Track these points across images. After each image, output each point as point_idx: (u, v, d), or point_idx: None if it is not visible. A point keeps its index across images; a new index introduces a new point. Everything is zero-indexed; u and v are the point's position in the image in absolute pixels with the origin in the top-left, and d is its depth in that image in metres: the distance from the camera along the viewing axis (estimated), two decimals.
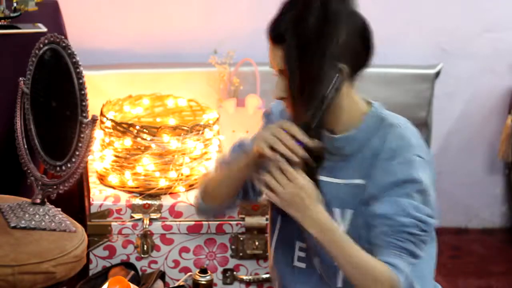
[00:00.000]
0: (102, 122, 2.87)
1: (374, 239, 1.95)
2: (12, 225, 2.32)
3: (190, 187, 2.89)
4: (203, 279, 2.60)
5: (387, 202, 1.93)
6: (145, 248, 2.85)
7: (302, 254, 2.13)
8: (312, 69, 1.91)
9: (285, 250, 2.15)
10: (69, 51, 2.24)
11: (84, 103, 2.21)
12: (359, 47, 1.96)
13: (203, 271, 2.62)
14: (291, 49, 1.93)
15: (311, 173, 1.93)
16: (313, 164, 1.93)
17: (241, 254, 2.90)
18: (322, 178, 1.98)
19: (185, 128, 2.83)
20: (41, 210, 2.36)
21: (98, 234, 2.83)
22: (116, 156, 2.85)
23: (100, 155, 2.90)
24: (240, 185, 2.10)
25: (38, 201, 2.37)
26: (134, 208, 2.83)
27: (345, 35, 1.91)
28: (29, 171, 2.41)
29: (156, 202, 2.83)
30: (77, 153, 2.25)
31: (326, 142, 1.97)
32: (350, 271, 1.92)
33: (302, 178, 1.90)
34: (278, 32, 1.96)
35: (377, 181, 1.95)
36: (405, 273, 1.93)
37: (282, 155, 1.90)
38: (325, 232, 1.92)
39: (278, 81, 1.98)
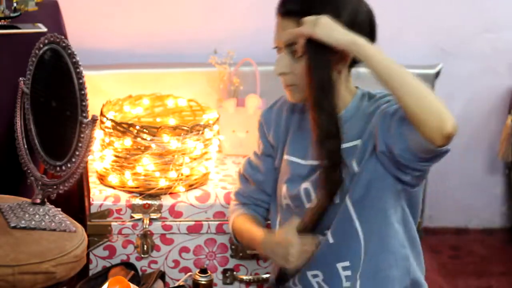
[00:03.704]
0: (102, 122, 2.86)
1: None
2: (12, 225, 2.32)
3: (190, 187, 2.89)
4: (203, 279, 2.60)
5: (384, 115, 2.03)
6: (145, 248, 2.85)
7: None
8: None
9: None
10: (69, 51, 2.24)
11: (84, 103, 2.21)
12: (366, 30, 2.05)
13: (203, 271, 2.62)
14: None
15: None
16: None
17: (241, 254, 2.90)
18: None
19: (185, 128, 2.83)
20: (41, 210, 2.36)
21: (98, 234, 2.83)
22: (116, 156, 2.85)
23: (100, 155, 2.90)
24: None
25: (38, 201, 2.37)
26: (134, 208, 2.83)
27: (357, 13, 2.03)
28: (29, 171, 2.41)
29: (156, 202, 2.83)
30: (77, 153, 2.25)
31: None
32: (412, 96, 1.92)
33: None
34: (293, 3, 2.04)
35: (372, 124, 2.06)
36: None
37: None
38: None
39: (281, 57, 2.09)
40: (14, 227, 2.32)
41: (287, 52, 2.07)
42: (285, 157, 2.22)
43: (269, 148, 2.31)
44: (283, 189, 2.22)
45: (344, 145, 2.06)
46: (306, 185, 2.16)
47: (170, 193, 2.86)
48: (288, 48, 2.06)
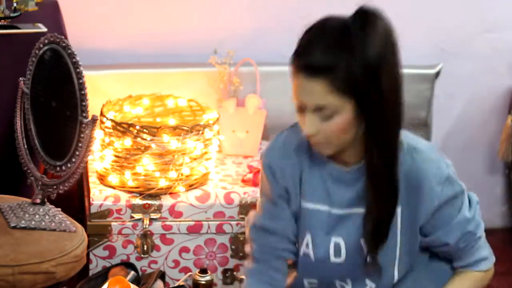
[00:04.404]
0: (102, 122, 2.86)
1: (455, 254, 2.06)
2: (12, 225, 2.32)
3: (190, 187, 2.89)
4: (203, 279, 2.60)
5: (446, 230, 2.01)
6: (145, 248, 2.85)
7: None
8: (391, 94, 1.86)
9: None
10: (69, 51, 2.24)
11: (84, 103, 2.22)
12: (394, 62, 1.90)
13: (203, 271, 2.62)
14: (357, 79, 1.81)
15: None
16: None
17: (241, 254, 2.89)
18: (347, 210, 1.99)
19: (185, 128, 2.83)
20: (41, 210, 2.36)
21: (98, 234, 2.83)
22: (116, 156, 2.85)
23: (100, 155, 2.90)
24: None
25: (38, 201, 2.37)
26: (134, 208, 2.83)
27: (385, 53, 1.85)
28: (29, 171, 2.41)
29: (156, 202, 2.83)
30: (77, 153, 2.25)
31: (342, 175, 1.98)
32: None
33: None
34: (322, 63, 1.81)
35: (424, 208, 1.98)
36: (490, 251, 2.11)
37: None
38: None
39: (309, 118, 1.87)
40: (14, 227, 2.32)
41: (314, 113, 1.86)
42: (304, 204, 2.02)
43: (283, 191, 2.05)
44: (306, 238, 2.05)
45: None
46: (336, 239, 2.01)
47: (170, 193, 2.86)
48: (316, 110, 1.86)
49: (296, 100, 1.87)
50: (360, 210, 1.96)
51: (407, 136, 1.98)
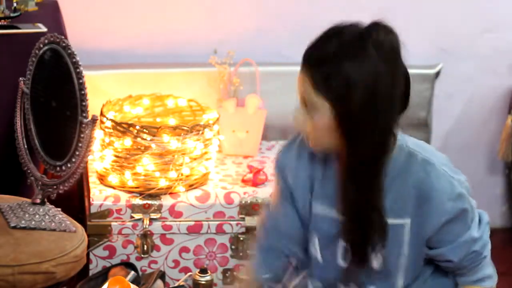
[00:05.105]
0: (102, 122, 2.87)
1: (458, 270, 2.07)
2: (12, 225, 2.32)
3: (190, 187, 2.89)
4: (203, 279, 2.61)
5: (452, 247, 2.01)
6: (145, 248, 2.85)
7: None
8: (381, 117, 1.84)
9: None
10: (69, 51, 2.24)
11: (84, 103, 2.22)
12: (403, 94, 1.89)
13: (203, 271, 2.62)
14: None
15: None
16: None
17: (241, 254, 2.90)
18: None
19: (185, 128, 2.83)
20: (41, 210, 2.36)
21: (98, 234, 2.83)
22: (116, 156, 2.85)
23: (100, 155, 2.90)
24: None
25: (38, 201, 2.37)
26: (134, 208, 2.83)
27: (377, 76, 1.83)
28: (29, 171, 2.41)
29: (156, 202, 2.83)
30: (77, 153, 2.25)
31: None
32: None
33: None
34: (312, 57, 1.85)
35: (432, 221, 1.98)
36: (494, 270, 2.11)
37: None
38: None
39: (298, 109, 1.90)
40: (14, 227, 2.32)
41: (302, 106, 1.89)
42: (315, 210, 2.03)
43: (289, 193, 2.07)
44: (314, 241, 2.06)
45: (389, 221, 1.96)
46: (344, 243, 2.01)
47: (170, 193, 2.86)
48: (303, 104, 1.89)
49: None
50: None
51: (422, 148, 1.98)
